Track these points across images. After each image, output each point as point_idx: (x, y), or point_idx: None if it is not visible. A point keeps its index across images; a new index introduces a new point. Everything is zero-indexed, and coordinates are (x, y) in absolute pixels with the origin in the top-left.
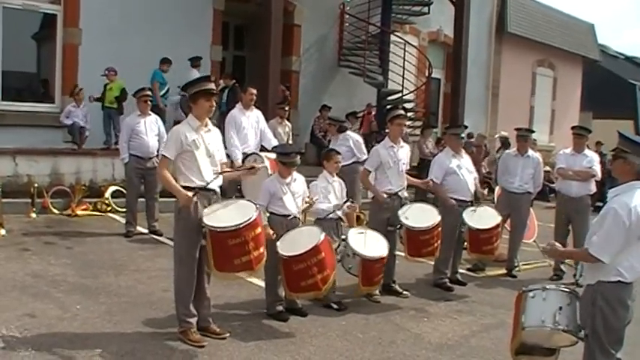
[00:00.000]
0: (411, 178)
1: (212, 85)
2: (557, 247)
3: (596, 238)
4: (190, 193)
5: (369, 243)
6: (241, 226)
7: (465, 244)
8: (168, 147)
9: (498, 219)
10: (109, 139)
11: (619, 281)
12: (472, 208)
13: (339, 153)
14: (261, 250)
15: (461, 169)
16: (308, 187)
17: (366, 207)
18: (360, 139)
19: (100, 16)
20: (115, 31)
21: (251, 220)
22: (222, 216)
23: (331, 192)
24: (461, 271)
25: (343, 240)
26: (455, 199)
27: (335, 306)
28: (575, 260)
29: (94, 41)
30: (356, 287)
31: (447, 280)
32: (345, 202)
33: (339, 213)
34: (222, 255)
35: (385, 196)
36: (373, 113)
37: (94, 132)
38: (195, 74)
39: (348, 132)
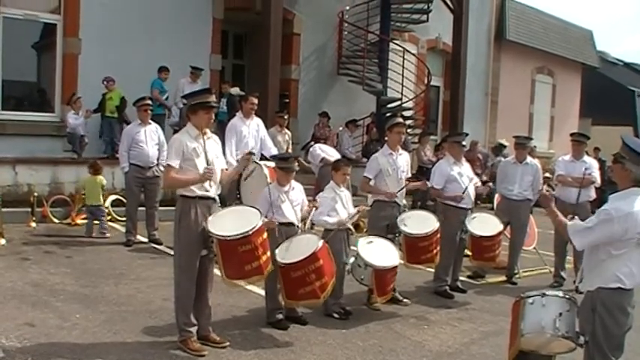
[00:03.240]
0: (410, 183)
1: (212, 98)
2: (551, 203)
3: (581, 224)
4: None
5: (379, 252)
6: (250, 232)
7: (467, 251)
8: (171, 156)
9: (500, 226)
10: (109, 148)
11: (618, 288)
12: (473, 215)
13: (347, 164)
14: (268, 254)
15: (462, 177)
16: (308, 196)
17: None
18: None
19: (100, 26)
20: (115, 41)
21: (258, 225)
22: (227, 224)
23: (338, 202)
24: (461, 278)
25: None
26: (455, 207)
27: (336, 315)
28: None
29: (94, 51)
30: (372, 298)
31: (447, 287)
32: (354, 214)
33: (349, 225)
34: (233, 262)
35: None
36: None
37: (92, 141)
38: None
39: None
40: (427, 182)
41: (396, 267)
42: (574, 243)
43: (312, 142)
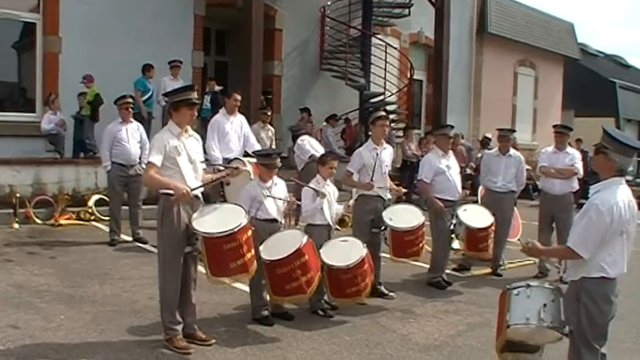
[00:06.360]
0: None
1: (195, 95)
2: (537, 245)
3: (576, 232)
4: (187, 188)
5: (345, 251)
6: (236, 229)
7: (455, 244)
8: (153, 154)
9: (492, 218)
10: (77, 148)
11: (602, 277)
12: (463, 207)
13: (334, 159)
14: (253, 252)
15: (449, 169)
16: (290, 191)
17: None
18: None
19: (80, 24)
20: (95, 39)
21: (244, 223)
22: (212, 221)
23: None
24: (447, 271)
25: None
26: (443, 199)
27: (321, 312)
28: (557, 258)
29: (75, 49)
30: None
31: (441, 278)
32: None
33: (331, 222)
34: (218, 260)
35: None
36: (354, 124)
37: (69, 140)
38: (173, 85)
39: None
40: (402, 189)
41: (349, 270)
42: (582, 255)
43: (303, 131)
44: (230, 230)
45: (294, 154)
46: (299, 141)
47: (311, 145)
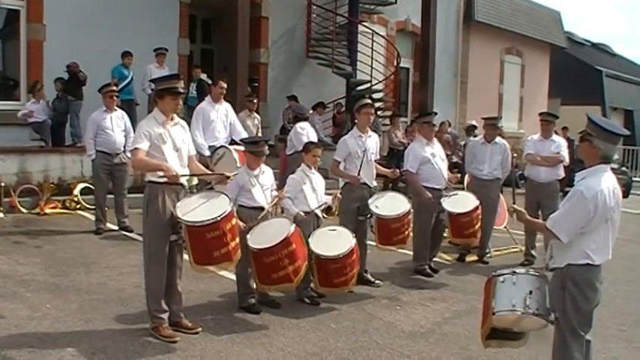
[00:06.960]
0: (380, 167)
1: (180, 84)
2: (523, 212)
3: (557, 215)
4: (177, 171)
5: (334, 241)
6: (219, 218)
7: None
8: (138, 140)
9: (476, 202)
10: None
11: (587, 264)
12: (449, 195)
13: (318, 147)
14: (237, 240)
15: (435, 157)
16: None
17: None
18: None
19: (64, 11)
20: (80, 26)
21: (227, 211)
22: (196, 210)
23: (307, 184)
24: (435, 259)
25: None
26: (430, 188)
27: (307, 300)
28: (537, 232)
29: (59, 37)
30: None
31: (427, 266)
32: (322, 205)
33: (317, 211)
34: (201, 249)
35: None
36: (342, 110)
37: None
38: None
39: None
40: (397, 170)
41: (337, 260)
42: (561, 237)
43: (306, 116)
44: (213, 219)
45: (282, 140)
46: (299, 128)
47: (308, 137)
